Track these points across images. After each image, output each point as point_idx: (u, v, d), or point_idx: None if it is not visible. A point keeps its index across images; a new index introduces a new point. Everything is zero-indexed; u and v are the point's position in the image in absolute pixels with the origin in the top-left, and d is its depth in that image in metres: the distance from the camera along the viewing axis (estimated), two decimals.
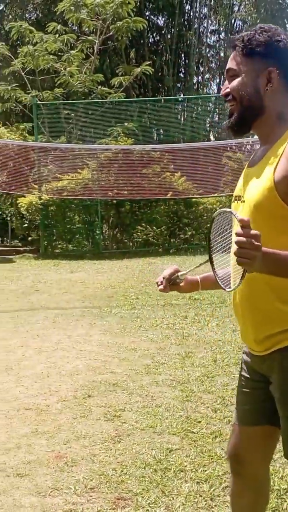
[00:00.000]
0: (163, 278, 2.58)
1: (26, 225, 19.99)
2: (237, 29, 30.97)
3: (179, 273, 2.59)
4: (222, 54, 30.86)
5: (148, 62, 23.22)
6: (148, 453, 4.22)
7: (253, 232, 1.93)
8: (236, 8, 31.36)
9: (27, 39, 22.79)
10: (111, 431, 4.62)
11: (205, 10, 30.99)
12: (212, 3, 30.96)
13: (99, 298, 10.84)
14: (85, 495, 3.67)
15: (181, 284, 2.62)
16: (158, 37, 31.40)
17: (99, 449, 4.31)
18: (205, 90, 30.64)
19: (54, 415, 5.01)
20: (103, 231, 20.00)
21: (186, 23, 30.90)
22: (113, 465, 4.05)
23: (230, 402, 5.13)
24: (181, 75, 31.56)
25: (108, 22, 22.19)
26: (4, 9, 32.35)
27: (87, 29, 22.94)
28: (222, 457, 4.09)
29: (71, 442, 4.43)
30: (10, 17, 29.97)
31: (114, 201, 18.91)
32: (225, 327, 8.02)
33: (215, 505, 3.52)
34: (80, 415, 4.99)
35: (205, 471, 3.93)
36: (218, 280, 2.22)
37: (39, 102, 20.84)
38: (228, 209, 2.15)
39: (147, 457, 4.16)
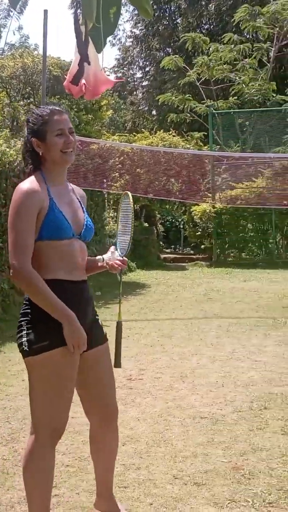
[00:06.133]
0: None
1: (199, 233, 20.14)
2: None
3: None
4: None
5: None
6: None
7: None
8: None
9: (202, 49, 23.05)
10: None
11: None
12: None
13: (273, 308, 10.68)
14: (264, 509, 3.59)
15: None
16: None
17: (276, 463, 4.20)
18: None
19: (230, 426, 4.96)
20: (277, 240, 19.69)
21: None
22: None
23: None
24: None
25: (285, 29, 21.90)
26: (179, 21, 32.94)
27: (263, 37, 22.76)
28: None
29: (248, 454, 4.37)
30: (184, 28, 30.42)
31: None
32: None
33: None
34: (257, 427, 4.91)
35: None
36: None
37: (214, 111, 20.95)
38: None
39: None
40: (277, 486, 3.87)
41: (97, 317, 3.26)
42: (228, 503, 3.66)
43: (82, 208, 3.23)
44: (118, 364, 3.44)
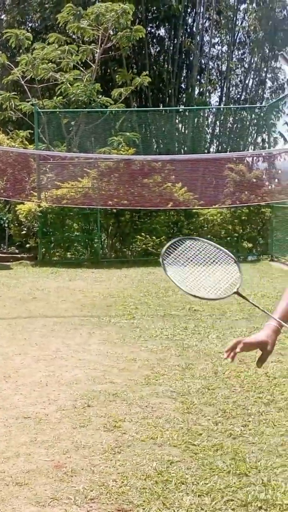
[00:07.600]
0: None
1: (24, 232, 19.91)
2: (240, 41, 31.16)
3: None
4: (224, 67, 30.99)
5: (146, 73, 23.22)
6: (149, 464, 4.17)
7: None
8: (239, 22, 31.43)
9: (26, 47, 22.83)
10: (111, 442, 4.58)
11: (207, 22, 31.03)
12: (215, 16, 30.97)
13: (97, 307, 10.80)
14: (85, 505, 3.63)
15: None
16: (159, 48, 31.45)
17: (99, 460, 4.26)
18: (206, 102, 30.60)
19: (53, 424, 4.96)
20: (102, 239, 19.94)
21: (188, 34, 30.95)
22: (114, 476, 4.01)
23: (231, 415, 5.10)
24: (183, 86, 31.56)
25: (109, 31, 22.23)
26: (4, 17, 32.30)
27: (88, 38, 22.94)
28: (224, 470, 4.05)
29: (71, 452, 4.39)
30: (10, 24, 29.92)
31: (114, 210, 18.86)
32: (225, 339, 7.96)
33: None
34: (80, 424, 4.95)
35: (207, 484, 3.89)
36: None
37: (39, 110, 20.81)
38: None
39: (148, 468, 4.11)
40: (98, 482, 3.92)
41: None
42: (50, 502, 3.66)
43: None
44: None
